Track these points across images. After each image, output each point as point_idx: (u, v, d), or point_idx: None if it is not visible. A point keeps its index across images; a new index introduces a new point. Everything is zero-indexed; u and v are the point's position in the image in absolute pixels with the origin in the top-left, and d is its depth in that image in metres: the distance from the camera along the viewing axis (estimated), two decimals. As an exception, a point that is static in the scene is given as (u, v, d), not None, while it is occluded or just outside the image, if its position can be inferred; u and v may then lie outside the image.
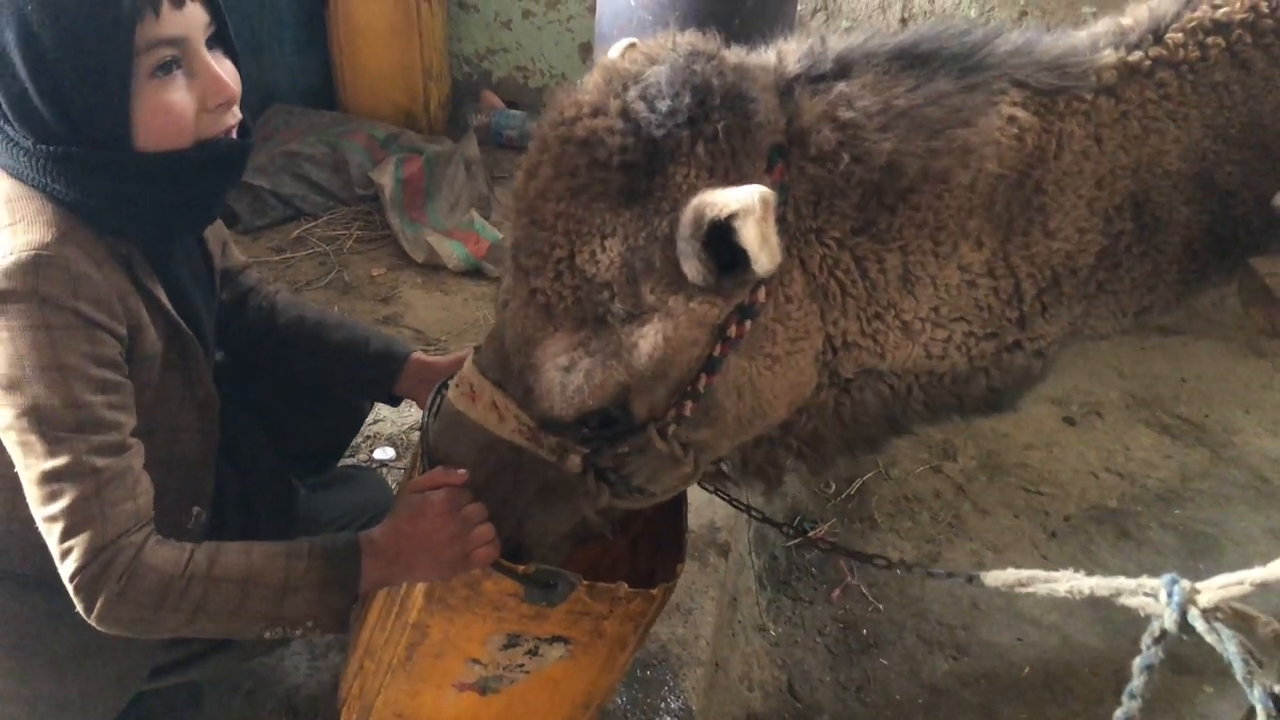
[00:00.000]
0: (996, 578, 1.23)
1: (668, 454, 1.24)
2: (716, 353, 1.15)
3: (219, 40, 1.26)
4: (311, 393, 1.79)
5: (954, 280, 1.20)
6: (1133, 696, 0.97)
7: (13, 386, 1.15)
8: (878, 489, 2.99)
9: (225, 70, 1.25)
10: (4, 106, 1.16)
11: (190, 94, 1.21)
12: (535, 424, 1.24)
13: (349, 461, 2.32)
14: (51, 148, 1.17)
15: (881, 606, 2.56)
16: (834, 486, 2.97)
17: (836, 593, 2.59)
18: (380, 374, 1.71)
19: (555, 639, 1.43)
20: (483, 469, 1.30)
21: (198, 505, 1.48)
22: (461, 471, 1.30)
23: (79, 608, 1.19)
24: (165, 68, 1.18)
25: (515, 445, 1.26)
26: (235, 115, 1.28)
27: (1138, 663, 0.99)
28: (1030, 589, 1.19)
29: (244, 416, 1.67)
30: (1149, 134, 1.19)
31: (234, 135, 1.29)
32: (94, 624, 1.20)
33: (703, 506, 1.81)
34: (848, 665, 2.39)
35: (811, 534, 2.76)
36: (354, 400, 1.91)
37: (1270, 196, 1.20)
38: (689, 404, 1.19)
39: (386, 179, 3.91)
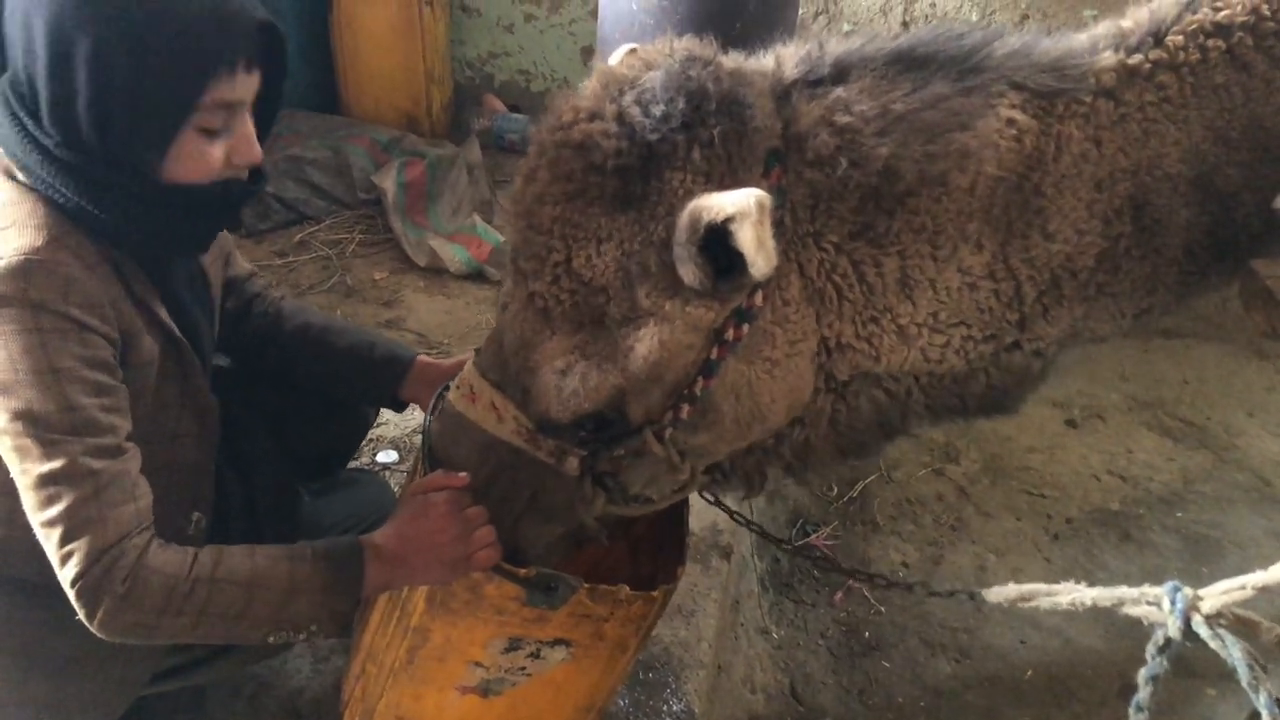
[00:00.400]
0: (998, 594, 1.23)
1: (664, 458, 1.24)
2: (713, 356, 1.15)
3: (261, 108, 1.33)
4: (316, 398, 1.79)
5: (954, 283, 1.19)
6: (1140, 709, 0.96)
7: (6, 391, 1.15)
8: (880, 492, 2.99)
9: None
10: (42, 102, 1.17)
11: (222, 147, 1.27)
12: (533, 426, 1.24)
13: (351, 465, 2.32)
14: (73, 154, 1.18)
15: (883, 609, 2.56)
16: (836, 489, 2.97)
17: (839, 595, 2.59)
18: (385, 378, 1.72)
19: (557, 642, 1.43)
20: (482, 471, 1.31)
21: (198, 510, 1.48)
22: (463, 475, 1.30)
23: (80, 614, 1.18)
24: (212, 133, 1.24)
25: (514, 447, 1.26)
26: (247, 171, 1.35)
27: (1143, 674, 0.98)
28: (1033, 603, 1.19)
29: (249, 422, 1.67)
30: (1149, 136, 1.18)
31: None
32: (96, 630, 1.19)
33: (705, 509, 1.82)
34: (850, 668, 2.39)
35: (813, 538, 2.76)
36: (359, 405, 1.91)
37: (1271, 199, 1.20)
38: (686, 408, 1.19)
39: (389, 183, 3.92)
